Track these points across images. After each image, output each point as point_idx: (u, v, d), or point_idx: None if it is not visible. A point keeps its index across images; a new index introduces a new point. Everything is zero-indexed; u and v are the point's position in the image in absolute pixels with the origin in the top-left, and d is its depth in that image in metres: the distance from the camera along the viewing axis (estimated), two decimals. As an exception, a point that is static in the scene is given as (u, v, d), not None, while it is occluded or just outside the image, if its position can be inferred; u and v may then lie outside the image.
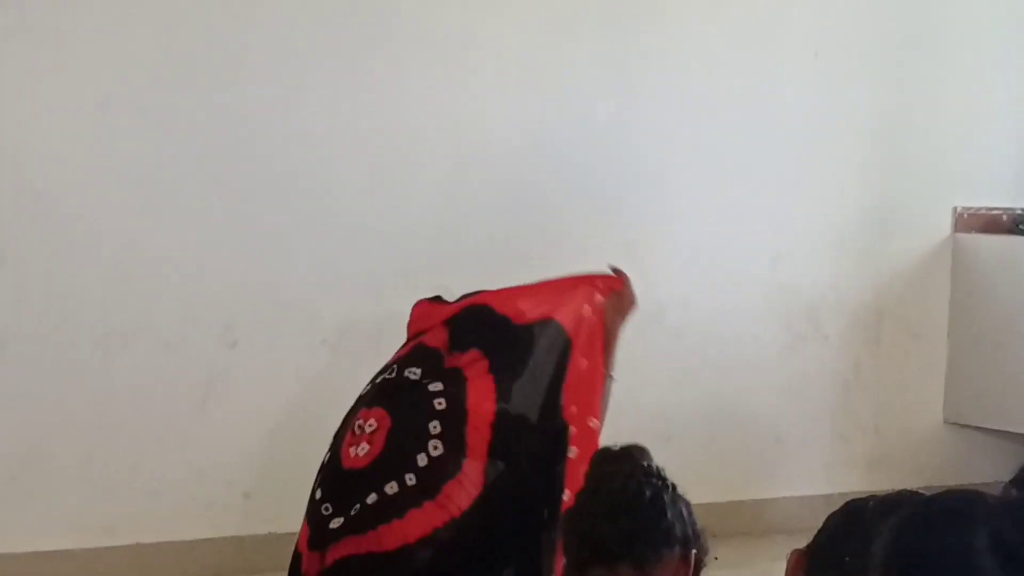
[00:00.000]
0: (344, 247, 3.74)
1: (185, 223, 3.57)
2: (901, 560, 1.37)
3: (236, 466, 3.64)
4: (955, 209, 4.52)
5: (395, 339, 3.77)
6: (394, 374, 2.74)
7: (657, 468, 1.81)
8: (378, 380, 2.77)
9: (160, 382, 3.55)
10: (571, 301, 2.86)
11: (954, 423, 4.55)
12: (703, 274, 4.17)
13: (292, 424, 3.69)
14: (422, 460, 2.57)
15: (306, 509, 2.72)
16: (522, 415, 2.64)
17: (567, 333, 2.76)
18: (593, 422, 2.66)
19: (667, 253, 4.13)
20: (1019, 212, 4.56)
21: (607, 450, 1.84)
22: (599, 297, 2.87)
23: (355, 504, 2.58)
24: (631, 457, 1.81)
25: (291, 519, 3.46)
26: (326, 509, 2.63)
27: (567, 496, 2.43)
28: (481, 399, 2.63)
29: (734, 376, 4.25)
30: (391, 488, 2.56)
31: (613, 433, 2.48)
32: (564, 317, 2.79)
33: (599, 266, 2.98)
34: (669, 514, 1.75)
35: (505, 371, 2.66)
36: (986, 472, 4.41)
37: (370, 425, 2.65)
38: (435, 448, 2.57)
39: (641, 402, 3.90)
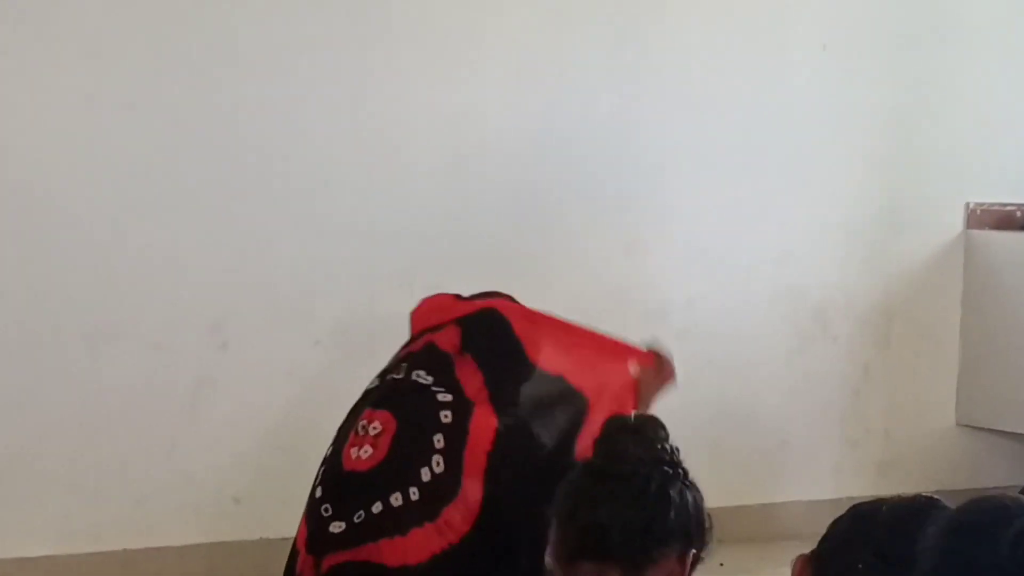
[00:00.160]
0: (338, 245, 3.72)
1: (174, 220, 3.56)
2: (951, 571, 1.35)
3: (226, 470, 3.62)
4: (967, 205, 4.50)
5: (391, 340, 3.74)
6: (403, 374, 2.75)
7: (671, 449, 1.76)
8: (386, 379, 2.78)
9: (148, 383, 3.54)
10: (599, 369, 2.84)
11: (967, 425, 4.53)
12: (707, 274, 4.16)
13: (284, 427, 3.67)
14: (425, 475, 2.60)
15: (305, 506, 2.73)
16: (522, 451, 2.65)
17: (585, 395, 2.75)
18: None
19: (670, 252, 4.12)
20: (1033, 208, 4.56)
21: (621, 421, 1.78)
22: (635, 367, 2.86)
23: (358, 511, 2.60)
24: (644, 436, 1.75)
25: (283, 525, 3.45)
26: (326, 510, 2.64)
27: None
28: (482, 425, 2.64)
29: (740, 378, 4.23)
30: (395, 500, 2.59)
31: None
32: (584, 383, 2.78)
33: (631, 328, 2.96)
34: (673, 511, 1.71)
35: (506, 403, 2.68)
36: (1000, 476, 4.40)
37: (374, 427, 2.66)
38: (437, 464, 2.60)
39: (644, 404, 3.88)
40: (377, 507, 2.59)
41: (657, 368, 2.91)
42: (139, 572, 3.52)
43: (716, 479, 4.13)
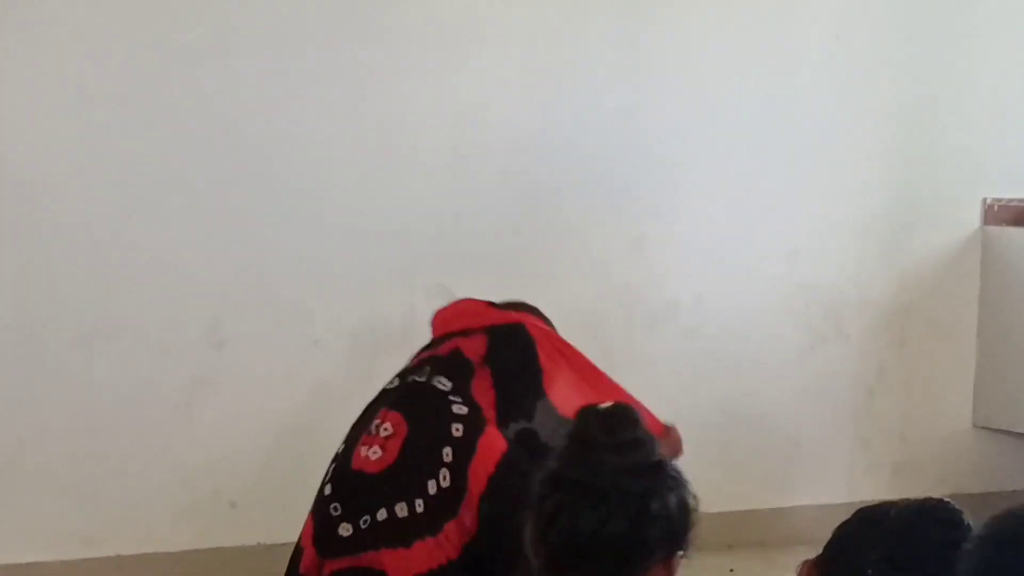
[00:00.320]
0: (338, 243, 3.72)
1: (170, 218, 3.56)
2: None
3: (223, 473, 3.62)
4: (984, 201, 4.48)
5: (392, 340, 3.76)
6: (424, 378, 2.77)
7: (647, 442, 1.72)
8: (407, 380, 2.81)
9: (143, 384, 3.54)
10: None
11: (984, 427, 4.51)
12: (717, 271, 4.15)
13: (283, 429, 3.67)
14: (432, 487, 2.64)
15: (313, 502, 2.77)
16: (522, 479, 2.65)
17: None
18: None
19: (679, 249, 4.11)
20: (1052, 204, 4.54)
21: (596, 415, 1.73)
22: None
23: (364, 515, 2.64)
24: (621, 438, 1.70)
25: (281, 529, 3.45)
26: (335, 509, 2.68)
27: None
28: (491, 446, 2.67)
29: (750, 378, 4.22)
30: (401, 510, 2.63)
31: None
32: None
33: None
34: (656, 527, 1.67)
35: (515, 430, 2.71)
36: (1019, 479, 4.38)
37: (385, 429, 2.70)
38: (444, 478, 2.64)
39: (651, 405, 3.86)
40: (382, 514, 2.64)
41: (666, 437, 2.90)
42: (133, 578, 3.52)
43: (725, 482, 4.17)
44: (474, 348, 2.80)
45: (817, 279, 4.27)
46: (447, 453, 2.65)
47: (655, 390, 3.92)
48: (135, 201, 3.53)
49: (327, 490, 2.73)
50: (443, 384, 2.75)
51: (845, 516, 1.83)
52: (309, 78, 3.67)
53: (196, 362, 3.59)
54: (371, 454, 2.68)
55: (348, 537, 2.65)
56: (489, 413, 2.73)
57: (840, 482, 4.27)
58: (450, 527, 2.62)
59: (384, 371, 3.59)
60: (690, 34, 4.09)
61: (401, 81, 3.76)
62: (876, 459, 4.38)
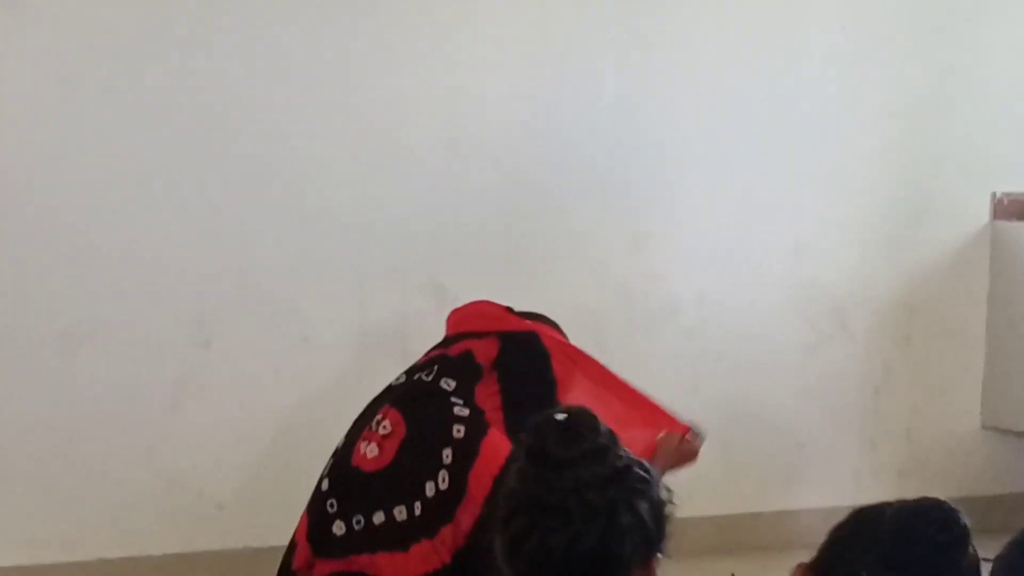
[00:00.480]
0: (327, 237, 3.71)
1: (153, 210, 3.55)
2: None
3: (209, 475, 3.61)
4: (994, 195, 4.48)
5: (383, 336, 3.75)
6: (431, 378, 2.79)
7: (608, 448, 1.69)
8: (413, 377, 2.83)
9: (126, 383, 3.53)
10: (625, 432, 2.88)
11: (992, 428, 4.51)
12: (719, 268, 4.14)
13: (270, 429, 3.67)
14: (430, 490, 2.66)
15: (310, 497, 2.78)
16: None
17: None
18: None
19: (679, 246, 4.10)
20: (1064, 199, 4.54)
21: (552, 428, 1.69)
22: (659, 433, 2.91)
23: (358, 515, 2.67)
24: (580, 450, 1.67)
25: (270, 532, 3.44)
26: (331, 506, 2.71)
27: None
28: (496, 447, 2.67)
29: (752, 378, 4.22)
30: (400, 513, 2.66)
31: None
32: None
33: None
34: (628, 540, 1.65)
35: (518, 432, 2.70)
36: (1028, 481, 4.40)
37: (385, 427, 2.73)
38: (443, 480, 2.66)
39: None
40: (379, 517, 2.66)
41: (684, 442, 2.93)
42: (116, 583, 3.51)
43: (728, 485, 4.16)
44: (486, 352, 2.82)
45: (821, 276, 4.27)
46: (447, 455, 2.67)
47: (655, 391, 3.91)
48: (118, 194, 3.52)
49: (324, 485, 2.76)
50: (448, 385, 2.76)
51: (852, 520, 1.82)
52: (296, 67, 3.66)
53: (182, 361, 3.58)
54: (369, 452, 2.71)
55: (341, 536, 2.68)
56: (494, 416, 2.73)
57: (845, 484, 4.26)
58: (446, 531, 2.63)
59: (375, 369, 3.59)
60: (691, 26, 4.08)
61: (392, 69, 3.74)
62: (882, 461, 4.37)
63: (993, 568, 1.69)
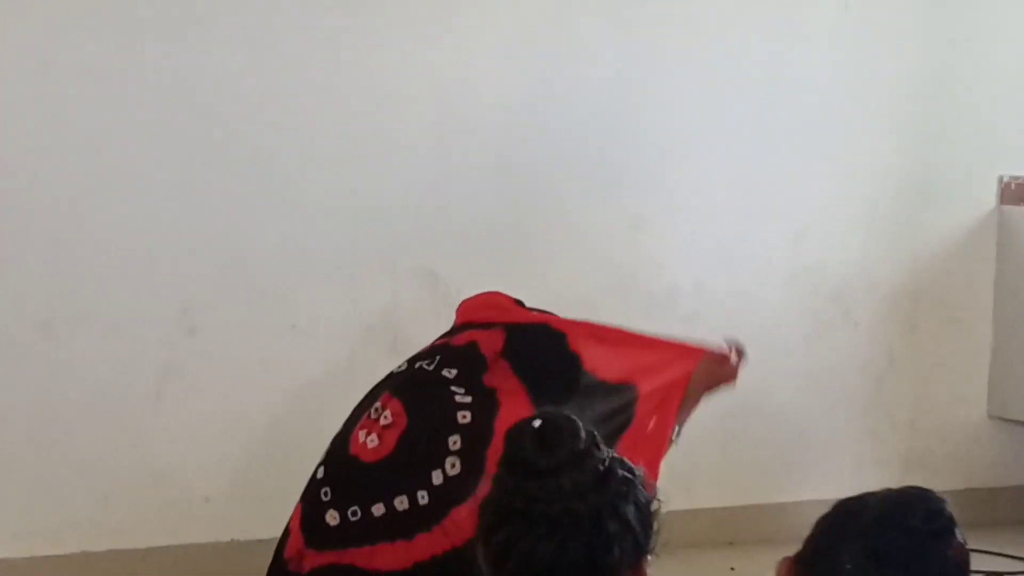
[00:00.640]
0: (316, 223, 3.70)
1: (137, 195, 3.54)
2: None
3: (196, 466, 3.61)
4: (1001, 179, 4.47)
5: (373, 324, 3.75)
6: (432, 367, 2.79)
7: (589, 451, 1.67)
8: (414, 365, 2.82)
9: (110, 373, 3.53)
10: (665, 370, 2.91)
11: (999, 417, 4.50)
12: (718, 254, 4.14)
13: (259, 420, 3.67)
14: (437, 478, 2.65)
15: (306, 485, 2.77)
16: None
17: (638, 390, 2.83)
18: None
19: (678, 231, 4.10)
20: (1072, 183, 4.54)
21: (529, 435, 1.67)
22: (696, 365, 2.95)
23: (354, 506, 2.66)
24: (561, 456, 1.65)
25: (257, 525, 3.44)
26: (325, 494, 2.70)
27: None
28: (511, 422, 2.64)
29: (753, 367, 4.13)
30: (401, 503, 2.65)
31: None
32: (646, 384, 2.86)
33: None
34: (615, 543, 1.64)
35: (547, 402, 2.72)
36: (1035, 472, 4.40)
37: (385, 417, 2.72)
38: (452, 466, 2.66)
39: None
40: (378, 509, 2.65)
41: (722, 362, 2.96)
42: (101, 576, 3.50)
43: (728, 476, 4.16)
44: (490, 343, 2.81)
45: (824, 262, 4.26)
46: (454, 442, 2.67)
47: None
48: (99, 177, 3.50)
49: (320, 473, 2.75)
50: (449, 373, 2.76)
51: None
52: (284, 49, 3.64)
53: (167, 349, 3.57)
54: (368, 441, 2.70)
55: (335, 527, 2.66)
56: (519, 394, 2.72)
57: (848, 475, 4.25)
58: (458, 511, 2.61)
59: (365, 358, 3.60)
60: (690, 5, 4.07)
61: (383, 50, 3.73)
62: (886, 451, 4.37)
63: (814, 528, 1.69)
